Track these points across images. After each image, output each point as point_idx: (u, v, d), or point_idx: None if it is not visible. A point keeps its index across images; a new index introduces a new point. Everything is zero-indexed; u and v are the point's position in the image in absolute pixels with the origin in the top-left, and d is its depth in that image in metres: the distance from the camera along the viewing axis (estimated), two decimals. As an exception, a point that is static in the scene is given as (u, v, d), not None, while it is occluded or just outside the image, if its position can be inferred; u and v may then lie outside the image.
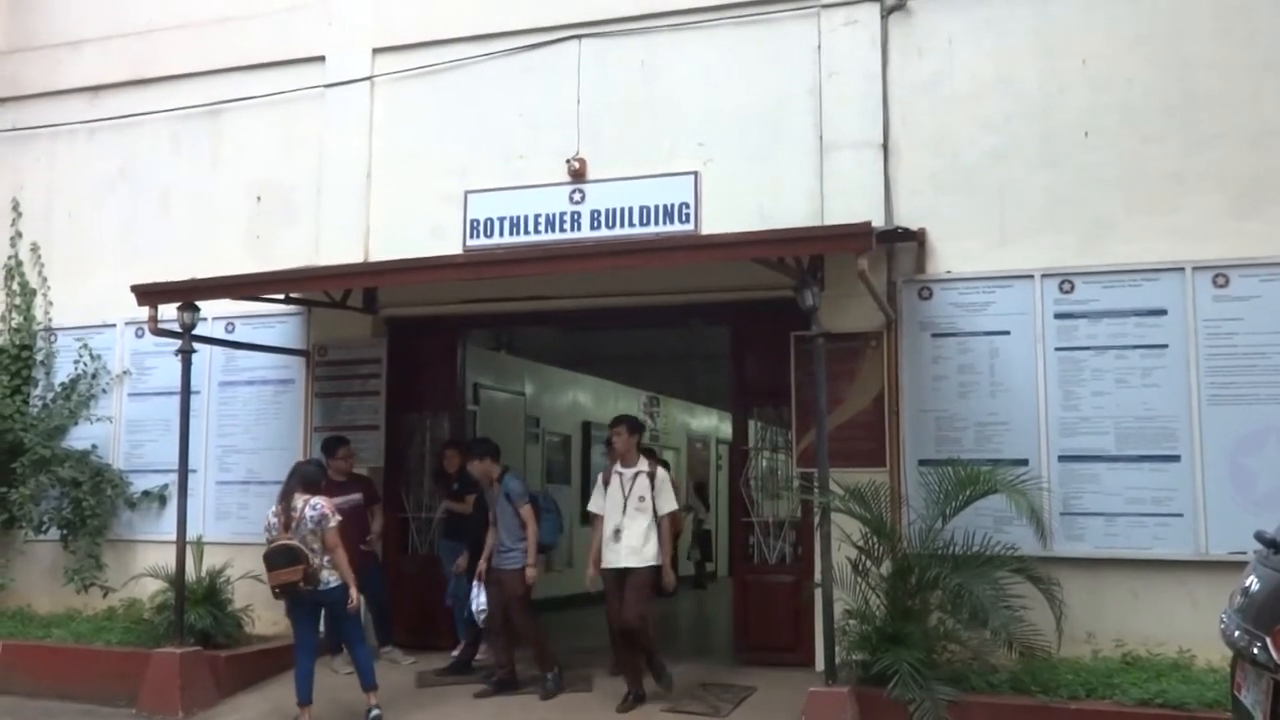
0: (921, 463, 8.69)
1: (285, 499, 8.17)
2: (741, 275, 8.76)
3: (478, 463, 8.99)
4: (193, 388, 9.52)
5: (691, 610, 16.94)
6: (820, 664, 7.93)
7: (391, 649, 10.21)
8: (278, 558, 7.96)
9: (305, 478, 8.29)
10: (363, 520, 9.91)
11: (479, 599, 9.00)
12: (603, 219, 9.68)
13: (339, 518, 8.30)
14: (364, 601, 10.08)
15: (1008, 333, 8.69)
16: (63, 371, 11.51)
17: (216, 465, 10.89)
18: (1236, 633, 4.87)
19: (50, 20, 12.29)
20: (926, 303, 8.91)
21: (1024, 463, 8.39)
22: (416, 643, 10.38)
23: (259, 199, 11.00)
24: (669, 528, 8.49)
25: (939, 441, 8.74)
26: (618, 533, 8.39)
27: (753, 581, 9.73)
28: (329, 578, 8.12)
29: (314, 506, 8.20)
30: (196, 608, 9.44)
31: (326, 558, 8.14)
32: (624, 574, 8.38)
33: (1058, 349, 8.58)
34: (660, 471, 8.67)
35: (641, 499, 8.42)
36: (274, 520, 8.18)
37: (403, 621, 10.44)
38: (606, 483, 8.60)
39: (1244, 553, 7.35)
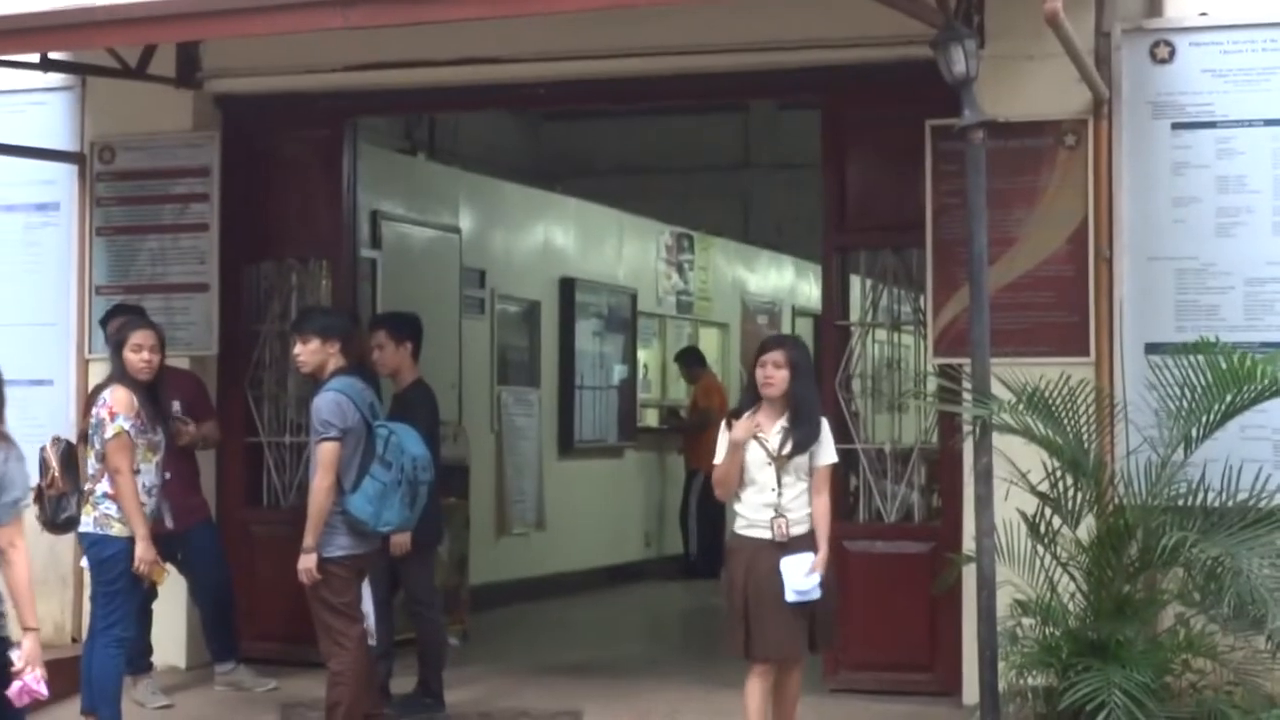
0: (1151, 348, 8.67)
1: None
2: (840, 19, 8.73)
3: (301, 345, 8.95)
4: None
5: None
6: (973, 693, 7.97)
7: (235, 667, 10.30)
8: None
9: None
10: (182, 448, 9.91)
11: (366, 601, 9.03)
12: (597, -81, 9.51)
13: (127, 425, 8.53)
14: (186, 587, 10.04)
15: (1305, 120, 8.69)
16: None
17: (-71, 353, 10.87)
18: None
19: None
20: (1164, 69, 8.82)
21: (1328, 347, 8.37)
22: (279, 655, 10.46)
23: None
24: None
25: (1183, 311, 8.72)
26: None
27: (857, 554, 9.72)
28: (91, 519, 8.55)
29: (101, 401, 8.59)
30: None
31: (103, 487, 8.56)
32: None
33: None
34: None
35: None
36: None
37: (258, 620, 10.55)
38: None
39: None
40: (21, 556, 6.64)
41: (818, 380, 8.94)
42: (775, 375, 8.05)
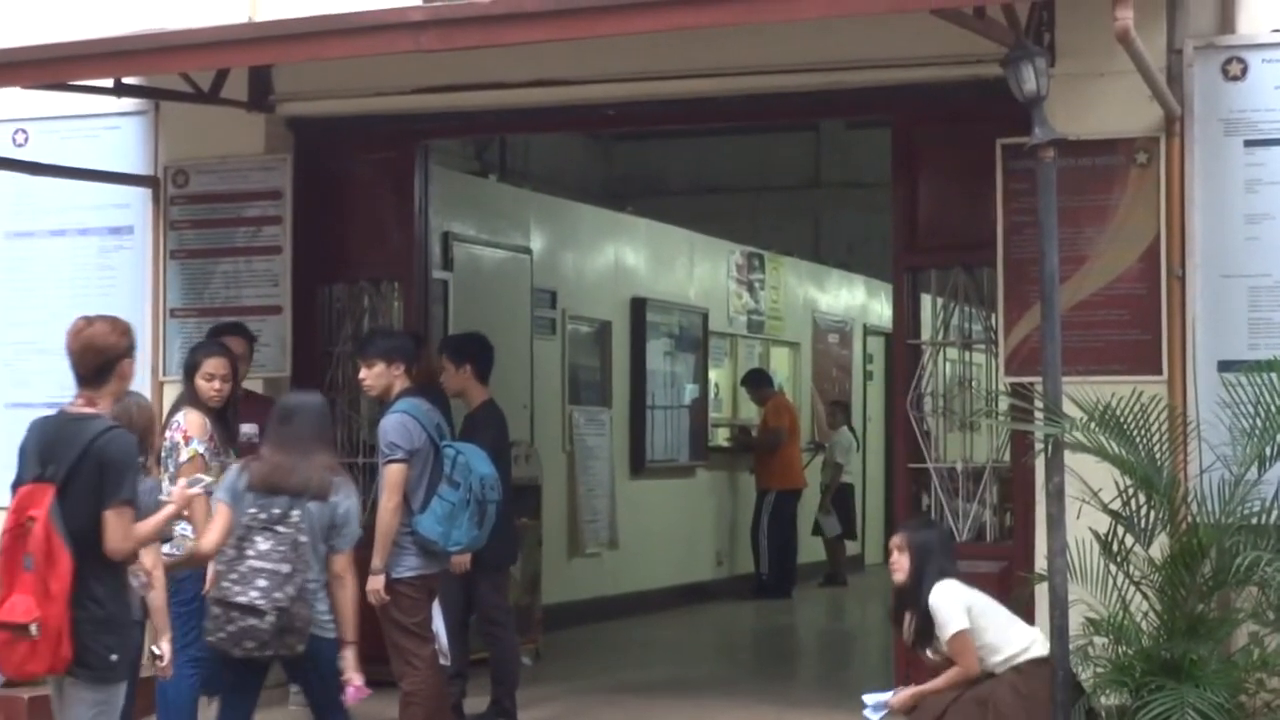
0: (1224, 366, 8.62)
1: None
2: (910, 38, 8.72)
3: (366, 369, 8.96)
4: (-38, 242, 9.59)
5: (819, 623, 16.99)
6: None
7: (309, 687, 10.34)
8: None
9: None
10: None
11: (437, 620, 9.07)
12: (664, -58, 9.54)
13: (201, 448, 8.56)
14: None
15: (1380, 138, 8.63)
16: None
17: (6, 376, 10.96)
18: None
19: None
20: (1236, 86, 8.79)
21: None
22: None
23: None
24: None
25: (1256, 328, 8.69)
26: None
27: (929, 572, 9.70)
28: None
29: (175, 425, 8.68)
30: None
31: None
32: None
33: None
34: None
35: None
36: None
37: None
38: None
39: None
40: (353, 580, 7.79)
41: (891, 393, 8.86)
42: (898, 562, 8.04)
